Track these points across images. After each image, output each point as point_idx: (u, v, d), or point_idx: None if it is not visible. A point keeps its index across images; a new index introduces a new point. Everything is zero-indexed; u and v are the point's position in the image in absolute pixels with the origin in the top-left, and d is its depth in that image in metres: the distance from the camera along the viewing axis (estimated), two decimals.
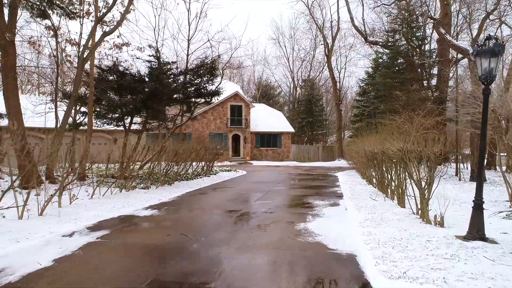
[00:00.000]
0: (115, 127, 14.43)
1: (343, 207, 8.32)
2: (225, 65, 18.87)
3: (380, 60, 22.99)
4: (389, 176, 9.33)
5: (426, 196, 6.22)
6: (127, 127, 13.53)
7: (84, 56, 10.21)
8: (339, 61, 55.96)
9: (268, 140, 36.05)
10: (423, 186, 6.34)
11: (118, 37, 17.25)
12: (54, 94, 12.39)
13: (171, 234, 5.75)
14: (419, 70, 21.27)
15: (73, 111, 16.13)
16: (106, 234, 5.70)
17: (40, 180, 10.08)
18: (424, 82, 21.86)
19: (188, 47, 20.05)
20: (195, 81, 12.85)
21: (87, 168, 9.95)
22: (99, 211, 7.38)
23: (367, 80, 32.64)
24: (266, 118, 37.59)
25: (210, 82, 13.22)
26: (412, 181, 6.87)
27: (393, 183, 9.15)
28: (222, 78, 19.05)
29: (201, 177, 14.84)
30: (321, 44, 43.79)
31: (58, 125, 11.64)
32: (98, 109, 12.74)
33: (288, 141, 36.43)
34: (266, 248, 4.99)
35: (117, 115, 12.54)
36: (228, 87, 37.05)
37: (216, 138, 33.41)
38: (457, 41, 22.88)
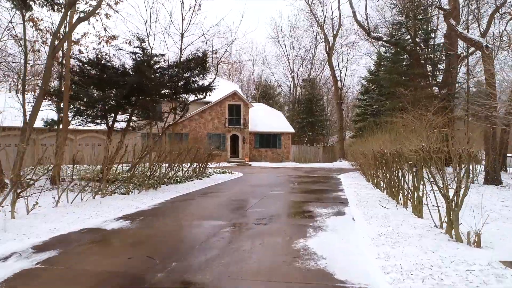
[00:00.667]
0: (95, 125, 13.23)
1: (349, 217, 7.10)
2: (219, 60, 17.66)
3: (386, 55, 21.65)
4: (402, 180, 8.11)
5: (455, 207, 5.00)
6: (110, 126, 12.38)
7: (56, 44, 9.04)
8: (341, 60, 54.90)
9: (268, 141, 34.88)
10: (451, 193, 5.13)
11: (104, 29, 16.16)
12: (22, 87, 11.20)
13: (135, 256, 4.54)
14: (426, 65, 20.04)
15: (53, 107, 14.92)
16: (52, 256, 4.49)
17: (4, 185, 8.91)
18: (430, 78, 20.62)
19: (182, 41, 18.90)
20: (184, 75, 11.59)
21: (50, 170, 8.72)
22: (59, 223, 6.17)
23: (370, 77, 31.43)
24: (265, 118, 36.43)
25: (201, 76, 12.00)
26: (434, 187, 5.66)
27: (406, 188, 7.94)
28: (216, 73, 17.90)
29: (192, 180, 13.62)
30: (322, 41, 42.68)
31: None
32: (78, 106, 11.57)
33: (288, 141, 35.24)
34: (254, 279, 3.78)
35: (98, 112, 11.38)
36: (226, 86, 35.91)
37: (214, 138, 32.33)
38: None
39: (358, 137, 32.73)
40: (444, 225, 5.59)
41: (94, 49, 15.32)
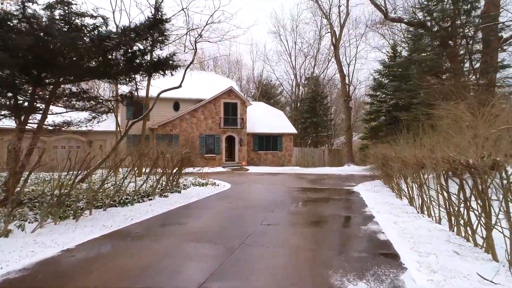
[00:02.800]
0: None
1: None
2: (199, 35, 13.66)
3: (417, 31, 16.98)
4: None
5: None
6: (23, 121, 8.30)
7: None
8: (348, 54, 50.81)
9: (267, 143, 31.00)
10: None
11: None
12: None
13: None
14: (464, 47, 15.84)
15: None
16: None
17: None
18: (469, 63, 16.43)
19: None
20: (129, 40, 7.38)
21: None
22: None
23: (383, 71, 27.24)
24: (265, 118, 32.46)
25: (156, 44, 7.76)
26: None
27: None
28: (195, 54, 13.86)
29: (151, 199, 9.50)
30: (328, 32, 38.57)
31: None
32: None
33: (290, 143, 31.17)
34: None
35: None
36: (221, 83, 31.90)
37: (207, 140, 28.75)
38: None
39: (369, 138, 28.60)
40: None
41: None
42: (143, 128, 14.53)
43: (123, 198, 8.70)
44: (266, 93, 47.77)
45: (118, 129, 14.83)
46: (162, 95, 26.63)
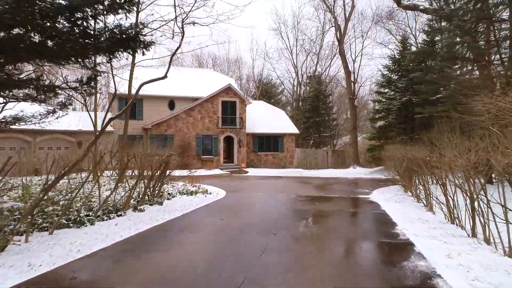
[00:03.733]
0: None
1: None
2: (187, 16, 11.69)
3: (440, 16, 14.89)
4: None
5: None
6: None
7: None
8: (353, 50, 48.75)
9: (268, 143, 29.13)
10: None
11: None
12: None
13: None
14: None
15: None
16: None
17: None
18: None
19: None
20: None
21: None
22: None
23: (393, 66, 25.19)
24: (265, 117, 30.56)
25: (117, 10, 5.71)
26: None
27: None
28: (182, 38, 11.86)
29: (120, 214, 7.48)
30: (332, 26, 36.54)
31: None
32: None
33: (292, 144, 29.21)
34: None
35: None
36: (219, 80, 29.95)
37: (204, 140, 26.89)
38: None
39: (377, 138, 26.56)
40: None
41: None
42: (125, 127, 12.56)
43: (80, 215, 6.66)
44: (267, 92, 45.87)
45: (109, 128, 12.86)
46: (156, 93, 24.57)
